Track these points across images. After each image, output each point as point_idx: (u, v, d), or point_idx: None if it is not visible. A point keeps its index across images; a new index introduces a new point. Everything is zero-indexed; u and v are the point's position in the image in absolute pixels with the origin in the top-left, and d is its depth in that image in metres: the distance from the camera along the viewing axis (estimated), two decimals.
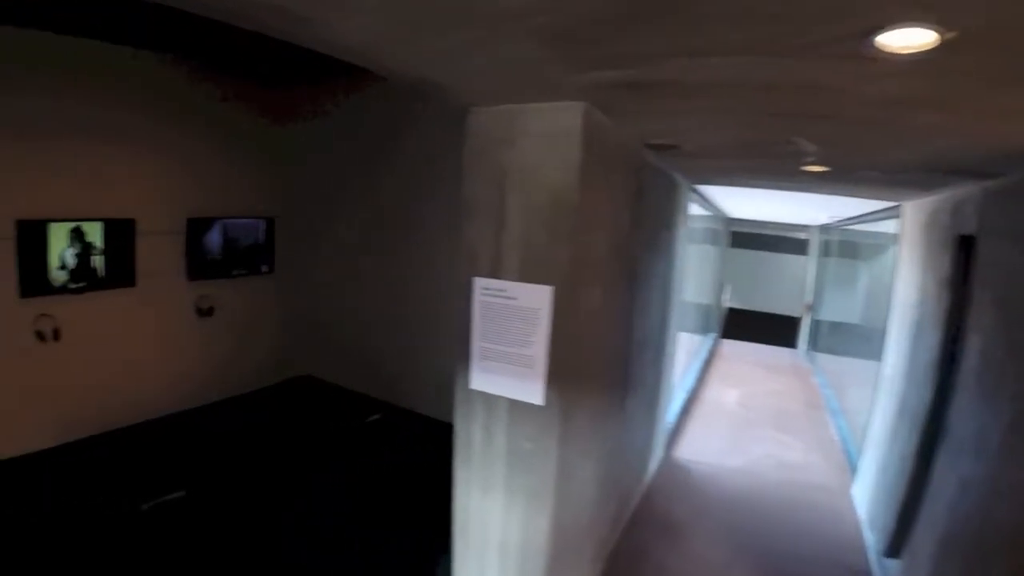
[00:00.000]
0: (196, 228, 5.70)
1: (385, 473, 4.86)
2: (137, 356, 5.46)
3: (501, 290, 2.62)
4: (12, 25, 4.45)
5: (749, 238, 12.49)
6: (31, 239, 4.74)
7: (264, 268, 6.24)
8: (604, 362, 3.33)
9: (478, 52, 1.80)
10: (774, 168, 3.72)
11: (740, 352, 10.66)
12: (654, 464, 5.18)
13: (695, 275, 7.28)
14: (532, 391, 2.63)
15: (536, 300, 2.54)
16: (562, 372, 2.59)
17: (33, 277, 4.76)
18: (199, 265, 5.75)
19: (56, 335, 4.97)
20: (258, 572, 3.63)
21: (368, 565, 3.74)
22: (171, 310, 5.67)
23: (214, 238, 5.82)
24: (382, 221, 5.90)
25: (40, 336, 4.90)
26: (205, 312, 5.88)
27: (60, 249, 4.90)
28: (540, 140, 2.49)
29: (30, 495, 4.31)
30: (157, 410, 5.54)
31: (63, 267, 4.93)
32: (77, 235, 4.97)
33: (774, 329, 11.74)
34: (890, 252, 5.13)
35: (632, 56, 1.73)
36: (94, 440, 5.11)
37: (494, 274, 2.64)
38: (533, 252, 2.54)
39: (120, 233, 5.21)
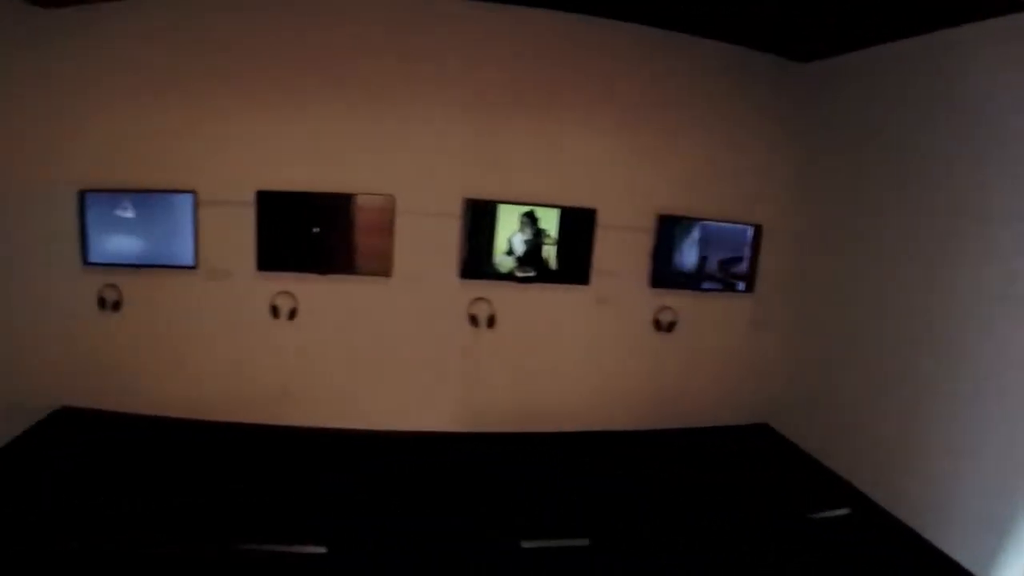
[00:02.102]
0: (667, 227, 4.89)
1: None
2: (574, 361, 5.03)
3: None
4: None
5: None
6: (480, 220, 4.57)
7: (740, 285, 5.20)
8: None
9: None
10: None
11: None
12: None
13: None
14: None
15: None
16: None
17: (476, 259, 4.62)
18: (665, 271, 4.97)
19: (491, 323, 4.76)
20: None
21: None
22: (624, 318, 5.03)
23: (687, 242, 4.96)
24: (922, 242, 4.08)
25: (473, 321, 4.75)
26: (665, 327, 5.10)
27: (509, 233, 4.58)
28: None
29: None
30: (580, 424, 5.04)
31: (510, 253, 4.61)
32: (530, 220, 4.59)
33: None
34: None
35: None
36: (501, 437, 4.83)
37: None
38: None
39: (577, 223, 4.69)
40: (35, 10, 4.04)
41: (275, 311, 4.55)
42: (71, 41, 4.17)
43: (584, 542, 3.64)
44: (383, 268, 4.52)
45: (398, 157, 4.47)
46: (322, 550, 3.29)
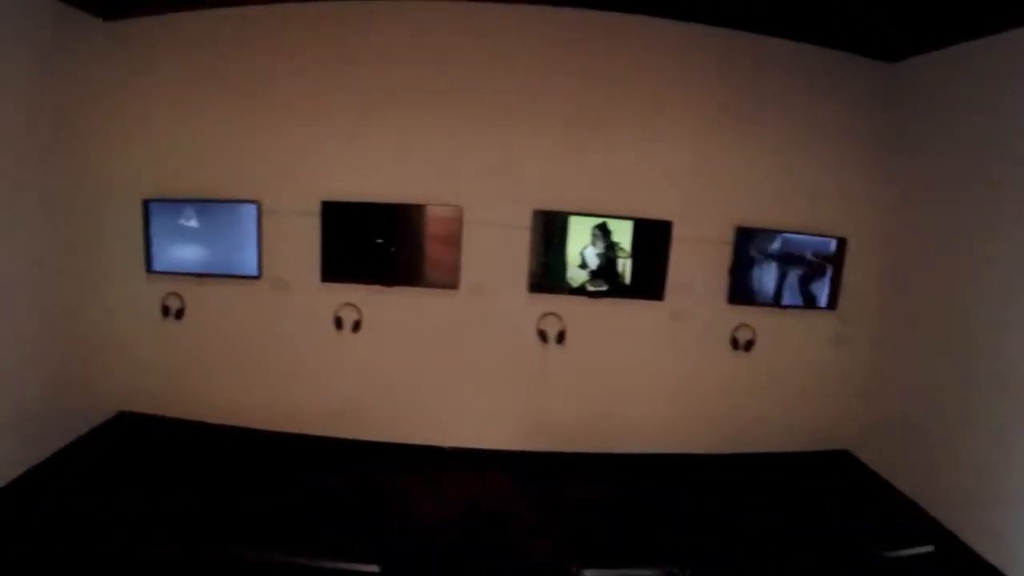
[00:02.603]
0: (746, 240, 4.64)
1: None
2: (646, 380, 4.82)
3: None
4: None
5: None
6: (550, 232, 4.43)
7: (823, 301, 4.89)
8: None
9: None
10: None
11: None
12: None
13: None
14: None
15: None
16: None
17: (545, 273, 4.48)
18: (743, 286, 4.72)
19: (560, 338, 4.59)
20: None
21: None
22: (700, 335, 4.78)
23: (766, 255, 4.69)
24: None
25: (542, 336, 4.59)
26: (743, 345, 4.84)
27: (581, 246, 4.42)
28: None
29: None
30: (651, 445, 4.85)
31: (583, 266, 4.45)
32: (602, 232, 4.41)
33: None
34: None
35: None
36: (568, 457, 4.70)
37: None
38: None
39: (652, 236, 4.48)
40: (101, 22, 4.04)
41: (339, 323, 4.49)
42: (137, 53, 4.17)
43: (649, 573, 3.52)
44: (450, 280, 4.41)
45: (466, 167, 4.36)
46: (375, 568, 3.24)
